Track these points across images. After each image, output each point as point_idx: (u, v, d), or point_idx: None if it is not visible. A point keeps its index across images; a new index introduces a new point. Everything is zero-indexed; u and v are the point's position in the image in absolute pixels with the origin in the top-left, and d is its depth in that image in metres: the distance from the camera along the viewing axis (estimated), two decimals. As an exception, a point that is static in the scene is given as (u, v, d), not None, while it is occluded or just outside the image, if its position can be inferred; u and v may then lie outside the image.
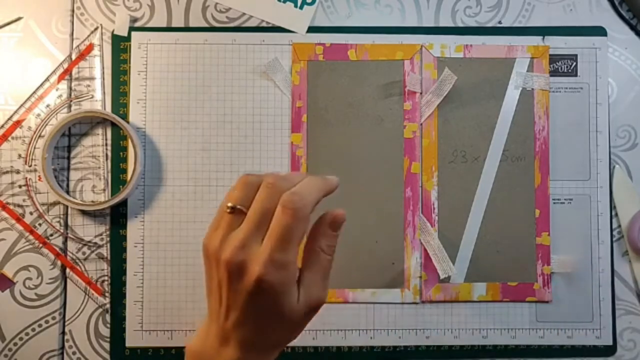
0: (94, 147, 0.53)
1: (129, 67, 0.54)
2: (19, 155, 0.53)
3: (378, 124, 0.54)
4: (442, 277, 0.51)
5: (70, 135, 0.53)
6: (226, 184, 0.53)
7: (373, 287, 0.53)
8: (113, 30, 0.54)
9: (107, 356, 0.52)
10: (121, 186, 0.53)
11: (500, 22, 0.55)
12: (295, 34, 0.54)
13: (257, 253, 0.32)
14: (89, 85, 0.54)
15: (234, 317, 0.33)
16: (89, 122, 0.53)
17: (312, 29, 0.54)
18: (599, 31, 0.55)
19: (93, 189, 0.53)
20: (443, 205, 0.53)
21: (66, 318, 0.53)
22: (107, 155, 0.53)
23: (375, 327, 0.53)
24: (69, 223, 0.53)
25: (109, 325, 0.53)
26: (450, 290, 0.53)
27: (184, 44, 0.54)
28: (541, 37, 0.54)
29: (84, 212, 0.53)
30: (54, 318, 0.52)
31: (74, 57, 0.54)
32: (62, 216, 0.53)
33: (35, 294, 0.52)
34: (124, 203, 0.53)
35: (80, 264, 0.53)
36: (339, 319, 0.53)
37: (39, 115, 0.53)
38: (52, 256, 0.53)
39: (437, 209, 0.53)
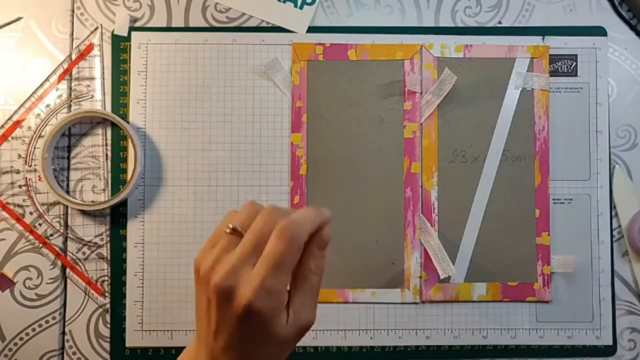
0: (94, 147, 0.53)
1: (129, 67, 0.54)
2: (19, 155, 0.53)
3: (378, 124, 0.54)
4: (442, 277, 0.51)
5: (70, 135, 0.53)
6: (226, 184, 0.53)
7: (373, 287, 0.53)
8: (113, 30, 0.54)
9: (107, 356, 0.52)
10: (121, 186, 0.53)
11: (500, 22, 0.55)
12: (295, 34, 0.54)
13: (248, 278, 0.31)
14: (89, 85, 0.54)
15: (222, 341, 0.33)
16: (89, 122, 0.53)
17: (312, 29, 0.54)
18: (599, 31, 0.55)
19: (93, 189, 0.53)
20: (443, 205, 0.53)
21: (66, 318, 0.53)
22: (107, 155, 0.53)
23: (375, 327, 0.53)
24: (69, 223, 0.53)
25: (109, 325, 0.53)
26: (450, 290, 0.53)
27: (184, 44, 0.54)
28: (541, 37, 0.54)
29: (84, 212, 0.53)
30: (54, 318, 0.52)
31: (74, 57, 0.54)
32: (62, 216, 0.53)
33: (36, 294, 0.52)
34: (124, 203, 0.53)
35: (80, 264, 0.53)
36: (339, 319, 0.53)
37: (39, 115, 0.53)
38: (52, 256, 0.53)
39: (437, 209, 0.53)
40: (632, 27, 0.55)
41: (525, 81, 0.54)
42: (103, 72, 0.54)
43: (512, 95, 0.54)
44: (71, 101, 0.53)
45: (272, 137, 0.54)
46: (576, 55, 0.54)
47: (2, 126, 0.53)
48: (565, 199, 0.54)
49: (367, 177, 0.53)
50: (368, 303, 0.53)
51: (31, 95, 0.53)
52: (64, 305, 0.53)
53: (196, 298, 0.34)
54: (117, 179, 0.53)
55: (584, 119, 0.54)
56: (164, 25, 0.54)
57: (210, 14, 0.55)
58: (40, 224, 0.53)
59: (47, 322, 0.52)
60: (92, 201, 0.53)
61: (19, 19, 0.54)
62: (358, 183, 0.53)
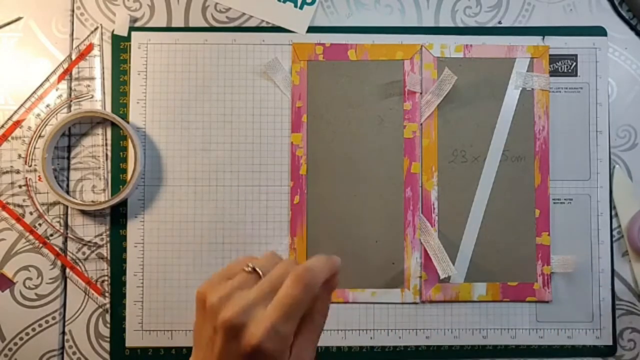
0: (94, 147, 0.53)
1: (129, 67, 0.54)
2: (19, 155, 0.53)
3: (378, 124, 0.54)
4: (442, 277, 0.51)
5: (70, 135, 0.53)
6: (226, 184, 0.53)
7: (373, 287, 0.53)
8: (113, 30, 0.54)
9: (107, 356, 0.52)
10: (121, 186, 0.53)
11: (500, 22, 0.55)
12: (295, 34, 0.54)
13: (260, 318, 0.32)
14: (89, 85, 0.54)
15: None
16: (89, 122, 0.53)
17: (312, 29, 0.54)
18: (599, 31, 0.55)
19: (93, 189, 0.53)
20: (443, 205, 0.53)
21: (66, 318, 0.53)
22: (107, 155, 0.53)
23: (375, 327, 0.53)
24: (69, 223, 0.53)
25: (109, 325, 0.53)
26: (450, 290, 0.53)
27: (184, 44, 0.54)
28: (541, 37, 0.54)
29: (84, 212, 0.53)
30: (54, 318, 0.52)
31: (74, 57, 0.54)
32: (62, 216, 0.53)
33: (35, 294, 0.52)
34: (124, 203, 0.53)
35: (80, 264, 0.53)
36: (339, 319, 0.53)
37: (39, 115, 0.53)
38: (52, 256, 0.53)
39: (437, 209, 0.53)
40: (632, 27, 0.55)
41: (525, 81, 0.54)
42: (103, 72, 0.54)
43: (512, 95, 0.54)
44: (71, 101, 0.53)
45: (272, 137, 0.54)
46: (576, 55, 0.54)
47: (2, 126, 0.53)
48: (565, 199, 0.54)
49: (367, 177, 0.53)
50: (368, 303, 0.53)
51: (31, 95, 0.53)
52: (64, 305, 0.53)
53: (196, 327, 0.34)
54: (117, 179, 0.53)
55: (584, 119, 0.54)
56: (164, 25, 0.54)
57: (210, 14, 0.55)
58: (40, 224, 0.53)
59: (47, 322, 0.52)
60: (92, 201, 0.53)
61: (19, 19, 0.54)
62: (358, 183, 0.53)
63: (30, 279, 0.52)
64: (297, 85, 0.54)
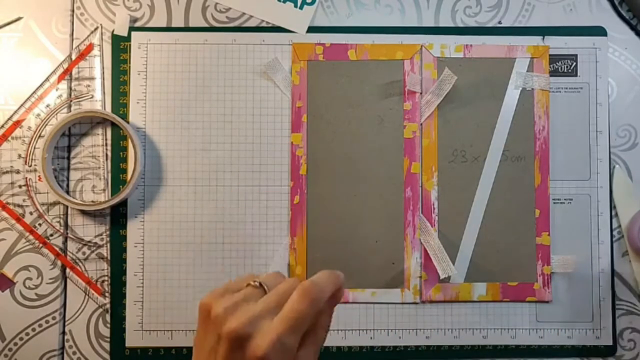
0: (94, 147, 0.53)
1: (129, 67, 0.54)
2: (19, 155, 0.53)
3: (378, 124, 0.54)
4: (442, 277, 0.51)
5: (70, 135, 0.53)
6: (226, 184, 0.53)
7: (373, 287, 0.53)
8: (113, 30, 0.54)
9: (107, 356, 0.52)
10: (121, 186, 0.53)
11: (500, 22, 0.55)
12: (295, 34, 0.54)
13: (266, 330, 0.32)
14: (89, 85, 0.54)
15: None
16: (89, 122, 0.53)
17: (312, 29, 0.54)
18: (599, 31, 0.55)
19: (93, 189, 0.53)
20: (443, 205, 0.53)
21: (66, 318, 0.53)
22: (107, 155, 0.53)
23: (375, 327, 0.53)
24: (69, 223, 0.53)
25: (109, 325, 0.53)
26: (450, 290, 0.53)
27: (184, 44, 0.54)
28: (541, 37, 0.54)
29: (84, 212, 0.53)
30: (54, 318, 0.52)
31: (74, 57, 0.54)
32: (62, 216, 0.53)
33: (35, 294, 0.52)
34: (124, 203, 0.53)
35: (80, 264, 0.53)
36: (339, 319, 0.53)
37: (39, 115, 0.53)
38: (52, 256, 0.53)
39: (437, 209, 0.53)
40: (632, 27, 0.55)
41: (525, 81, 0.54)
42: (103, 72, 0.54)
43: (512, 95, 0.54)
44: (71, 101, 0.53)
45: (272, 137, 0.54)
46: (576, 55, 0.54)
47: (2, 126, 0.53)
48: (565, 199, 0.54)
49: (367, 177, 0.53)
50: (368, 303, 0.53)
51: (31, 95, 0.53)
52: (64, 305, 0.53)
53: (198, 336, 0.35)
54: (117, 179, 0.53)
55: (584, 119, 0.54)
56: (164, 25, 0.54)
57: (210, 14, 0.55)
58: (40, 224, 0.53)
59: (47, 322, 0.52)
60: (92, 201, 0.53)
61: (19, 19, 0.54)
62: (358, 183, 0.53)
63: (30, 279, 0.52)
64: (297, 85, 0.54)
